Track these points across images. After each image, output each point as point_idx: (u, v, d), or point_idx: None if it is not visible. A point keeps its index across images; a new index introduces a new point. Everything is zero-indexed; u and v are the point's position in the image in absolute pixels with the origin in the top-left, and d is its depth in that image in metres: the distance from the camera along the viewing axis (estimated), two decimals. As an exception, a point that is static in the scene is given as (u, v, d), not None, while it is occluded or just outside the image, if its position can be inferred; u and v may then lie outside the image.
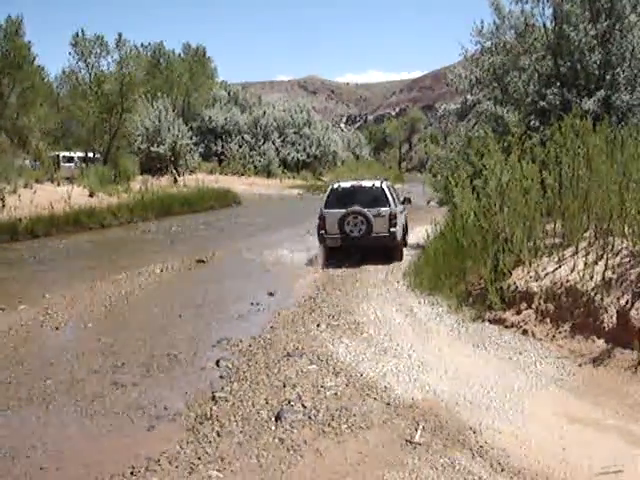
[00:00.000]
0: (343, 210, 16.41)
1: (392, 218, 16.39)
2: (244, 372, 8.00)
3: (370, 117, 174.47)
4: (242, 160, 65.16)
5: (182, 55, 71.29)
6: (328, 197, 17.37)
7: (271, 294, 13.12)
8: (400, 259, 16.50)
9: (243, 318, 11.33)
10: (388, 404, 6.76)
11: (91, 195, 30.09)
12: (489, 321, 9.63)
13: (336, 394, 7.07)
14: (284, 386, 7.37)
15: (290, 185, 58.33)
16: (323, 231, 16.93)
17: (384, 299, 11.93)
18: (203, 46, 73.36)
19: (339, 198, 17.02)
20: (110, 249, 20.91)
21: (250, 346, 9.23)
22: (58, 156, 42.81)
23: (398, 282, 13.41)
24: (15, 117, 48.99)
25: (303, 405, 6.78)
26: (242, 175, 61.02)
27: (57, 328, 10.59)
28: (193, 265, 16.80)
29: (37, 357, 9.03)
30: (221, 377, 7.93)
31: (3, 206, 22.76)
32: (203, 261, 17.28)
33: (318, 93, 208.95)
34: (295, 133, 71.61)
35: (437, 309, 10.82)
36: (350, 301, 11.86)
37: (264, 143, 67.99)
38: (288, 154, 69.38)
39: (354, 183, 17.77)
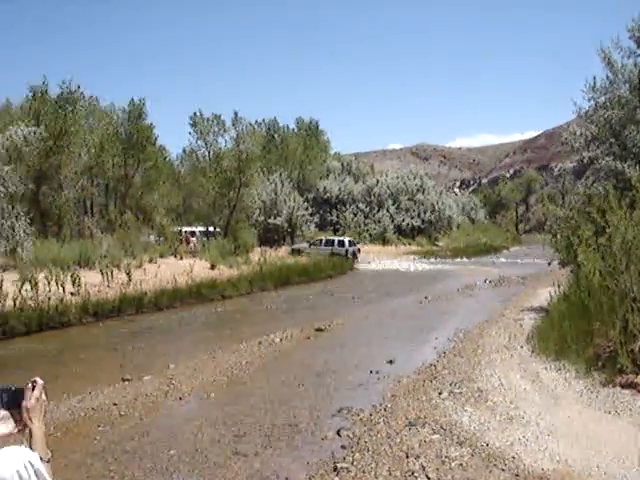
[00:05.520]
0: (330, 247, 44.91)
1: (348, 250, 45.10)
2: (365, 442, 7.87)
3: (484, 180, 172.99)
4: (357, 228, 65.68)
5: (296, 129, 73.19)
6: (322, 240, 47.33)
7: (391, 362, 12.97)
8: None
9: (363, 387, 11.22)
10: (517, 475, 6.48)
11: (212, 267, 30.89)
12: (621, 386, 9.16)
13: (461, 465, 6.84)
14: (407, 456, 7.20)
15: (405, 251, 58.23)
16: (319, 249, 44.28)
17: (508, 365, 11.57)
18: (316, 119, 75.13)
19: (326, 241, 46.87)
20: (231, 319, 21.28)
21: (371, 415, 9.10)
22: (180, 231, 44.34)
23: (522, 347, 13.01)
24: (140, 195, 51.39)
25: (427, 476, 6.59)
26: (357, 243, 61.41)
27: (181, 398, 10.78)
28: (312, 334, 16.85)
29: (161, 427, 9.19)
30: (342, 447, 7.83)
31: (129, 280, 23.65)
32: (322, 329, 17.31)
33: (430, 159, 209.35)
34: (409, 199, 71.75)
35: (564, 374, 10.39)
36: (472, 368, 11.56)
37: (378, 211, 68.39)
38: (402, 220, 69.44)
39: (333, 237, 49.27)
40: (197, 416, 9.75)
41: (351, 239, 49.48)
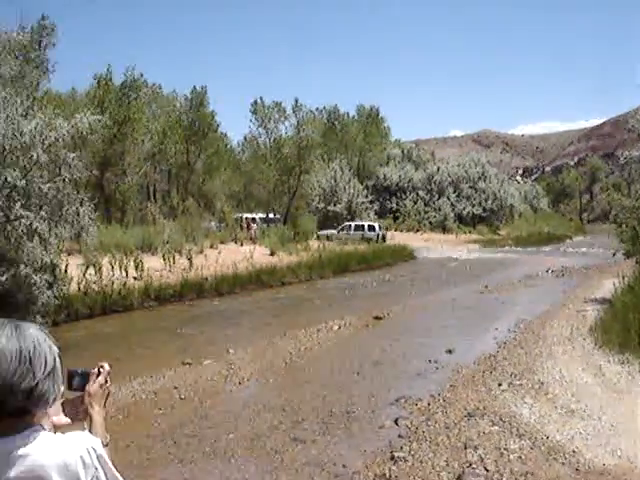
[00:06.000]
0: (361, 232, 45.44)
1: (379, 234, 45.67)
2: (423, 432, 7.83)
3: (547, 168, 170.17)
4: (417, 216, 65.32)
5: (356, 116, 72.94)
6: (351, 225, 47.59)
7: (449, 351, 12.86)
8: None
9: (421, 376, 11.17)
10: (577, 469, 6.38)
11: (272, 254, 31.08)
12: (687, 381, 8.93)
13: (520, 457, 6.76)
14: (465, 447, 7.14)
15: (466, 240, 57.61)
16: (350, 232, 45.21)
17: (569, 357, 11.38)
18: (376, 107, 74.66)
19: (356, 226, 46.90)
20: (290, 306, 21.40)
21: (429, 405, 9.05)
22: (241, 218, 44.66)
23: (584, 339, 12.77)
24: (201, 182, 52.01)
25: (485, 468, 6.53)
26: (417, 231, 61.03)
27: (240, 383, 10.89)
28: (370, 322, 16.83)
29: (221, 411, 9.30)
30: (400, 436, 7.81)
31: (191, 265, 23.97)
32: (380, 317, 17.28)
33: (492, 146, 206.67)
34: (470, 187, 70.97)
35: (628, 368, 10.17)
36: (533, 359, 11.40)
37: (439, 198, 67.85)
38: (463, 209, 68.74)
39: (362, 222, 48.94)
40: (256, 401, 9.85)
41: (379, 224, 49.67)
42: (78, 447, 1.77)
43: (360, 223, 48.47)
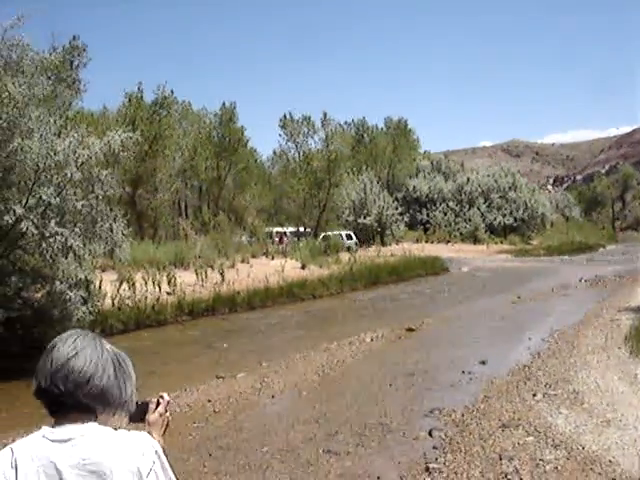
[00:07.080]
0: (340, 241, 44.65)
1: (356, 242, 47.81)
2: (458, 443, 7.80)
3: (578, 177, 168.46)
4: (447, 227, 65.08)
5: (385, 129, 73.00)
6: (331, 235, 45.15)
7: (483, 362, 12.79)
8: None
9: (455, 387, 11.12)
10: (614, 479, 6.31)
11: (303, 267, 31.13)
12: None
13: (556, 468, 6.71)
14: (500, 458, 7.10)
15: (497, 250, 57.21)
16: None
17: (605, 366, 11.26)
18: (405, 118, 74.71)
19: (334, 236, 44.70)
20: (322, 319, 21.42)
21: (463, 416, 9.01)
22: (271, 233, 44.71)
23: (619, 348, 12.64)
24: (232, 197, 52.34)
25: (521, 479, 6.48)
26: (448, 242, 60.78)
27: (273, 396, 10.92)
28: (403, 333, 16.79)
29: (254, 424, 9.34)
30: (434, 448, 7.78)
31: (223, 280, 24.12)
32: (413, 329, 17.23)
33: (522, 156, 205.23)
34: (501, 197, 70.57)
35: (665, 377, 10.05)
36: (567, 369, 11.30)
37: (469, 209, 67.53)
38: (494, 219, 68.34)
39: (341, 231, 48.91)
40: (289, 414, 9.88)
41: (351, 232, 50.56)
42: (138, 440, 1.84)
43: (338, 232, 48.20)
